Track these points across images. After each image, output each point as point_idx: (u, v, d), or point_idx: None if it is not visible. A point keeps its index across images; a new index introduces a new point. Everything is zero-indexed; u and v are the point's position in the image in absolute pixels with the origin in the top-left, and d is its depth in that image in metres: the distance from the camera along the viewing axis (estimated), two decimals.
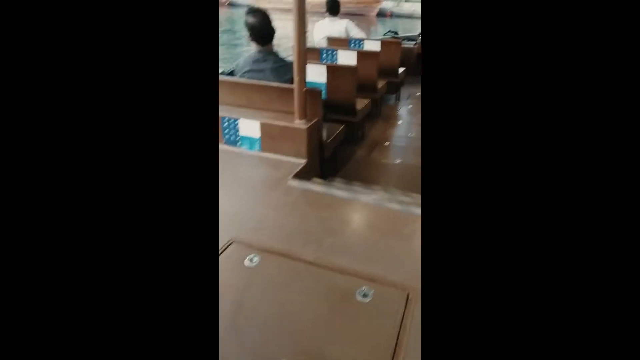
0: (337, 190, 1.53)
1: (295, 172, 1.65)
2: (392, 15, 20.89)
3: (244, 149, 1.83)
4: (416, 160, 2.55)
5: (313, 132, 1.79)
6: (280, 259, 1.13)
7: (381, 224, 1.34)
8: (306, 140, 1.73)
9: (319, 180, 1.88)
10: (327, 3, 3.48)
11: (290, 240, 1.21)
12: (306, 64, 1.70)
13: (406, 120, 3.38)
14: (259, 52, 2.03)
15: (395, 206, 1.42)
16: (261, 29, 1.97)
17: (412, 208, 1.41)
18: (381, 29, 14.47)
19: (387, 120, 3.28)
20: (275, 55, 2.05)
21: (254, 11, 2.00)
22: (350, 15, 18.24)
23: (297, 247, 1.17)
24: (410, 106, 3.73)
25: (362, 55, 2.97)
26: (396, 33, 5.44)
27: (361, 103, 2.67)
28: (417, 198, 1.81)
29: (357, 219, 1.39)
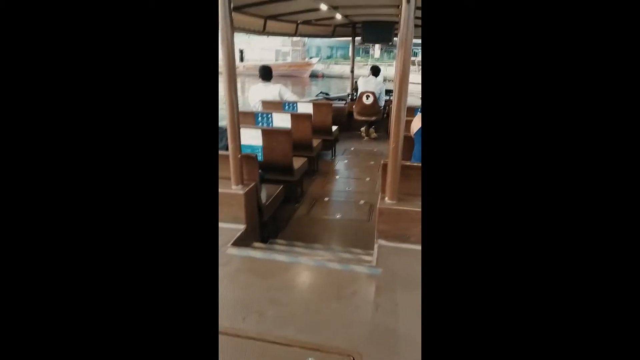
0: (278, 255, 1.52)
1: (234, 239, 1.62)
2: (324, 76, 22.56)
3: None
4: (355, 213, 2.65)
5: (251, 197, 1.80)
6: (220, 337, 1.06)
7: (323, 286, 1.34)
8: (244, 205, 1.73)
9: (259, 244, 1.85)
10: (260, 70, 3.68)
11: (230, 315, 1.15)
12: (240, 129, 1.75)
13: (343, 174, 3.54)
14: None
15: (336, 266, 1.44)
16: None
17: (352, 266, 1.44)
18: (314, 89, 15.51)
19: (325, 176, 3.41)
20: None
21: None
22: (285, 77, 19.38)
23: (238, 322, 1.12)
24: (346, 161, 3.93)
25: (296, 117, 3.13)
26: (327, 94, 5.86)
27: (298, 162, 2.76)
28: (357, 253, 1.85)
29: (299, 284, 1.38)
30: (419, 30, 4.98)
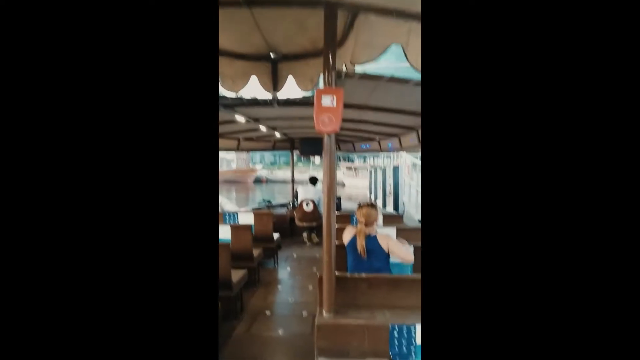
0: None
1: None
2: (268, 181, 23.37)
3: None
4: (298, 327, 2.54)
5: None
6: None
7: None
8: None
9: None
10: None
11: None
12: None
13: (287, 284, 3.47)
14: None
15: None
16: None
17: None
18: (259, 193, 15.87)
19: (267, 287, 3.31)
20: None
21: None
22: (230, 182, 19.68)
23: None
24: (289, 269, 3.89)
25: (236, 229, 3.15)
26: (270, 202, 6.05)
27: (237, 274, 2.69)
28: None
29: None
30: (349, 144, 5.62)
